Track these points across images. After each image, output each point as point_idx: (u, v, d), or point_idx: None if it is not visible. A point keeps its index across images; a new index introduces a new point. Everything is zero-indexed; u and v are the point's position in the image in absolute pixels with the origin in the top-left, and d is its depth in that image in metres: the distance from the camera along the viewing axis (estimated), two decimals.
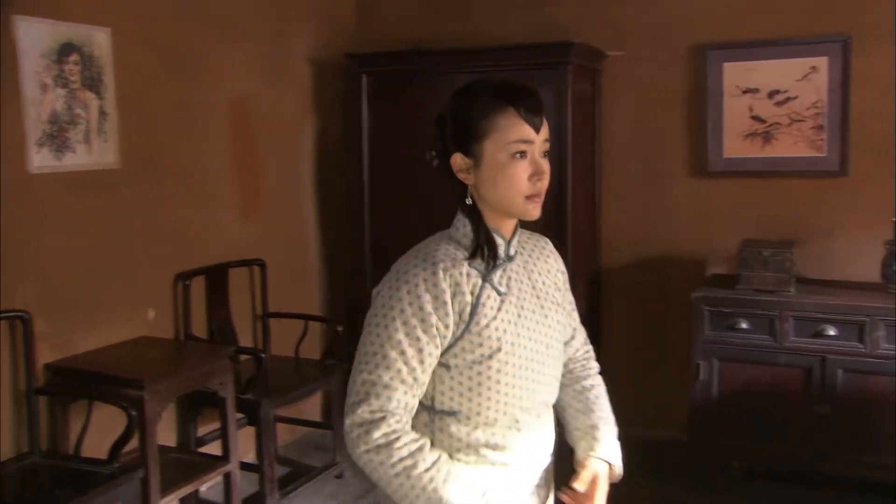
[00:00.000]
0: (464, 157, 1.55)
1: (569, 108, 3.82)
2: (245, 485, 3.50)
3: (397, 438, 1.48)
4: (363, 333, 1.55)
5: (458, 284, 1.51)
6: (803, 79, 3.92)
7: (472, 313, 1.52)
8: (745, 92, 4.03)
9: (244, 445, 3.70)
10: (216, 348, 3.52)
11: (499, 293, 1.56)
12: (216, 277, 3.84)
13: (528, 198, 1.53)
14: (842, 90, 3.85)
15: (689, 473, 3.76)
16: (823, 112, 3.90)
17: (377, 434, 1.48)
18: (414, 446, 1.49)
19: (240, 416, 3.50)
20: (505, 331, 1.54)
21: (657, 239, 4.26)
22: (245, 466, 3.50)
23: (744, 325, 3.60)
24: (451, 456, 1.56)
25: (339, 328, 4.04)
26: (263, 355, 3.57)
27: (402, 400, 1.51)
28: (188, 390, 3.22)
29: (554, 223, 3.90)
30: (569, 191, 3.91)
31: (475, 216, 1.58)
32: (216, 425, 3.61)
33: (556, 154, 3.92)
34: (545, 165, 1.54)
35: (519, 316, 1.58)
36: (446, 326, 1.51)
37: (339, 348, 4.03)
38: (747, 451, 3.69)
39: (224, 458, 3.33)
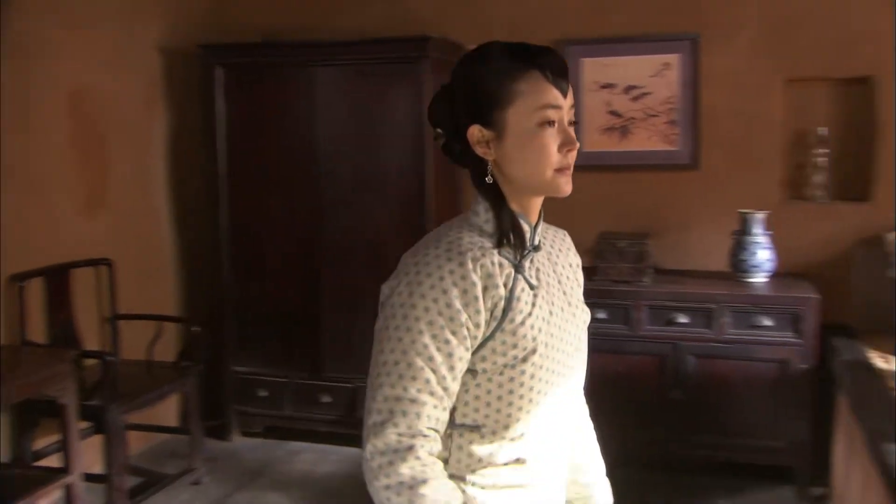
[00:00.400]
0: (482, 129, 1.36)
1: (425, 103, 3.78)
2: (93, 497, 3.33)
3: (425, 482, 1.26)
4: (377, 340, 1.33)
5: (490, 276, 1.32)
6: (657, 75, 4.03)
7: (507, 308, 1.33)
8: (602, 87, 4.11)
9: (92, 456, 3.50)
10: (55, 352, 3.31)
11: (531, 286, 1.38)
12: (57, 278, 3.61)
13: (559, 171, 1.37)
14: (692, 86, 3.98)
15: None
16: (676, 107, 4.02)
17: (404, 468, 1.26)
18: (442, 499, 1.27)
19: (87, 424, 3.30)
20: (540, 329, 1.36)
21: None
22: (92, 478, 3.31)
23: (601, 316, 3.66)
24: (464, 478, 1.36)
25: (195, 328, 3.89)
26: (111, 358, 3.38)
27: (433, 415, 1.30)
28: (22, 398, 3.01)
29: (415, 220, 3.87)
30: (429, 187, 3.88)
31: (497, 197, 1.39)
32: (59, 436, 3.38)
33: (416, 149, 3.88)
34: (574, 134, 1.38)
35: (550, 313, 1.40)
36: (477, 325, 1.31)
37: (195, 349, 3.87)
38: (606, 439, 3.74)
39: (64, 469, 3.13)
